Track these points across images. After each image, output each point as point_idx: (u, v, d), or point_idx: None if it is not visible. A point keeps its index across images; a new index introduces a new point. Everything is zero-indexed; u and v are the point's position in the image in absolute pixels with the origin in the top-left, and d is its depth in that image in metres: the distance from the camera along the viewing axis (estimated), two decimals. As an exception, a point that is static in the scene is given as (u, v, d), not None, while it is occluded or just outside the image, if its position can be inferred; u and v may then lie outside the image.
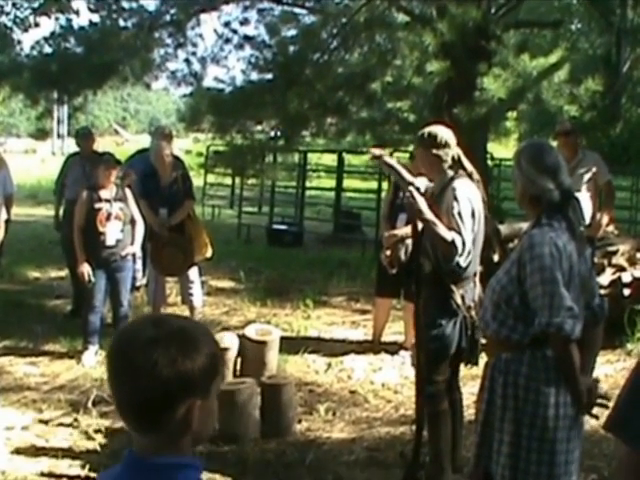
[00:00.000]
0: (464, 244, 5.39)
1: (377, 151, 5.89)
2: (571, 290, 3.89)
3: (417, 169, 7.60)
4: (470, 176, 5.66)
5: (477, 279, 5.70)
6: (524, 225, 7.14)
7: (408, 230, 7.58)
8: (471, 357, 5.76)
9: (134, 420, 2.12)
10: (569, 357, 3.86)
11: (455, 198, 5.42)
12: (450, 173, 5.60)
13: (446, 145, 5.61)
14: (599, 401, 4.06)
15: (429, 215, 5.37)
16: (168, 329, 2.10)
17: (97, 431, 6.90)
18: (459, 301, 5.53)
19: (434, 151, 5.59)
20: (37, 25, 18.56)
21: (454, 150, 5.65)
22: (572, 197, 4.10)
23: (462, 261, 5.47)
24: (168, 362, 2.04)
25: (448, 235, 5.35)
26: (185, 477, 2.12)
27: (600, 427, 5.12)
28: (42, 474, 6.12)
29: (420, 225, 5.54)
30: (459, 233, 5.37)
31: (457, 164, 5.64)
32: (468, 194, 5.50)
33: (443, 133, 5.68)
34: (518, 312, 4.00)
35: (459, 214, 5.39)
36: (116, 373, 2.12)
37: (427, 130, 5.74)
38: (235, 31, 14.12)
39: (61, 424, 7.16)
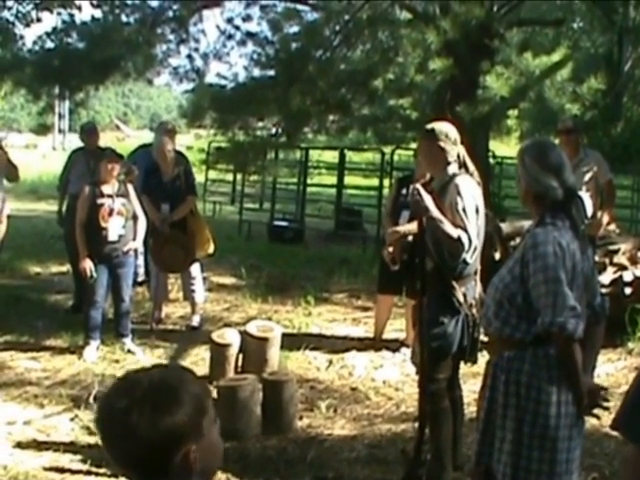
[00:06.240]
0: (470, 240, 5.39)
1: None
2: (574, 289, 3.89)
3: (421, 166, 7.66)
4: (471, 175, 5.66)
5: (478, 277, 5.71)
6: (526, 223, 7.14)
7: (410, 227, 7.61)
8: (471, 355, 5.76)
9: (134, 476, 2.16)
10: (571, 356, 3.87)
11: (459, 194, 5.42)
12: (452, 170, 5.60)
13: (452, 140, 5.62)
14: (602, 404, 4.07)
15: (436, 213, 5.37)
16: (140, 393, 2.12)
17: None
18: (461, 299, 5.53)
19: (440, 144, 5.58)
20: (39, 20, 18.56)
21: (459, 147, 5.66)
22: (575, 195, 4.11)
23: (469, 257, 5.48)
24: (149, 425, 2.07)
25: (454, 232, 5.35)
26: None
27: (601, 426, 5.15)
28: (44, 469, 6.13)
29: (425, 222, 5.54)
30: (464, 229, 5.37)
31: (460, 162, 5.64)
32: (471, 190, 5.51)
33: (449, 128, 5.69)
34: (521, 311, 4.01)
35: (464, 210, 5.39)
36: (104, 440, 2.17)
37: (434, 124, 5.75)
38: (237, 27, 14.16)
39: (62, 419, 7.17)
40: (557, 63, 11.11)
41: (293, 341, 9.02)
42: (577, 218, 4.02)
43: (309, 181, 19.49)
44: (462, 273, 5.55)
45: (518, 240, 6.12)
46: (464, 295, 5.55)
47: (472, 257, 5.52)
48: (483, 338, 5.23)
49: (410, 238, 7.77)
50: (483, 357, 5.27)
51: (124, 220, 8.97)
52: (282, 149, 15.21)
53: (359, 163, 25.87)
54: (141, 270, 10.84)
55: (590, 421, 4.25)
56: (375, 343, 9.28)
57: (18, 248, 13.70)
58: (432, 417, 5.72)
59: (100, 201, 8.89)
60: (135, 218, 9.11)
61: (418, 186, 5.46)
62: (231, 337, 7.85)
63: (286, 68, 12.22)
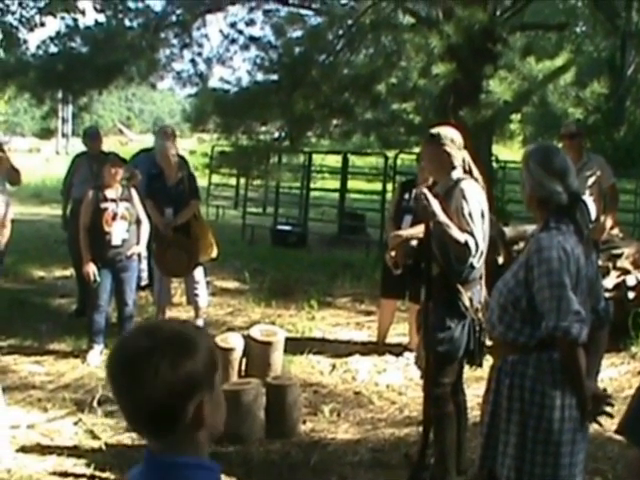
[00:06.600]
0: (477, 245, 5.39)
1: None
2: (578, 294, 3.90)
3: (423, 171, 7.68)
4: (476, 180, 5.66)
5: (483, 281, 5.70)
6: (529, 227, 7.14)
7: (413, 231, 7.62)
8: (477, 359, 5.76)
9: (148, 428, 2.17)
10: (575, 361, 3.87)
11: (464, 198, 5.42)
12: (456, 174, 5.60)
13: (457, 145, 5.62)
14: (606, 410, 4.07)
15: (443, 217, 5.37)
16: (162, 335, 2.14)
17: (102, 430, 6.93)
18: (467, 303, 5.52)
19: (446, 148, 5.57)
20: (43, 24, 18.65)
21: (463, 152, 5.65)
22: (580, 200, 4.11)
23: (475, 262, 5.48)
24: (169, 367, 2.08)
25: (461, 237, 5.35)
26: (203, 477, 2.17)
27: (604, 430, 5.15)
28: (47, 473, 6.14)
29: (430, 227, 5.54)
30: (471, 234, 5.37)
31: (465, 166, 5.64)
32: (476, 195, 5.51)
33: (454, 133, 5.68)
34: (525, 315, 4.01)
35: (469, 215, 5.39)
36: (120, 387, 2.15)
37: (438, 129, 5.74)
38: (241, 32, 14.13)
39: (66, 423, 7.17)
40: (560, 67, 11.11)
41: (296, 345, 9.02)
42: (581, 223, 4.03)
43: (312, 185, 19.49)
44: (468, 277, 5.55)
45: (521, 244, 6.13)
46: (470, 299, 5.55)
47: (478, 261, 5.52)
48: (487, 342, 5.23)
49: (414, 242, 7.79)
50: (487, 361, 5.27)
51: (127, 224, 9.00)
52: (285, 153, 15.21)
53: (362, 167, 25.87)
54: (144, 274, 10.84)
55: (593, 425, 4.25)
56: (378, 347, 9.28)
57: (22, 252, 13.72)
58: (436, 421, 5.72)
59: (104, 205, 8.91)
60: (138, 222, 9.14)
61: (425, 190, 5.45)
62: (234, 341, 7.85)
63: (289, 72, 12.24)
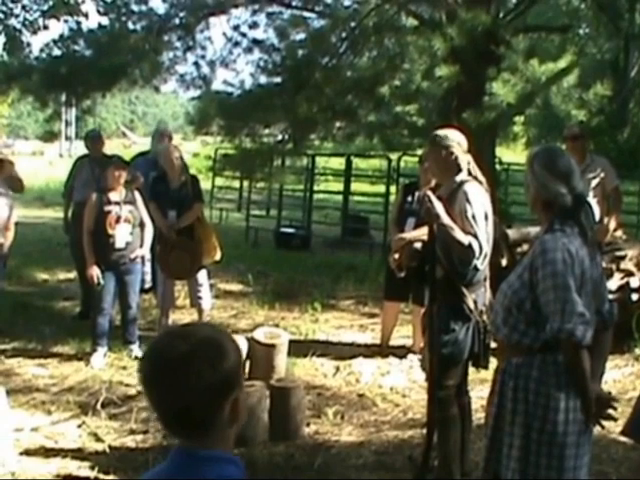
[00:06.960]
0: (481, 247, 5.39)
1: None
2: (583, 296, 3.89)
3: (426, 173, 7.68)
4: (480, 182, 5.66)
5: (487, 283, 5.70)
6: (532, 229, 7.13)
7: (416, 233, 7.62)
8: (482, 361, 5.75)
9: (186, 429, 2.23)
10: (580, 363, 3.86)
11: (468, 201, 5.42)
12: (460, 177, 5.60)
13: (463, 148, 5.62)
14: (611, 413, 4.07)
15: (447, 220, 5.37)
16: (197, 339, 2.21)
17: (106, 433, 6.93)
18: (472, 306, 5.52)
19: (452, 151, 5.57)
20: (46, 28, 18.68)
21: (467, 156, 5.65)
22: (584, 202, 4.11)
23: (479, 264, 5.48)
24: (211, 369, 2.17)
25: (465, 239, 5.35)
26: (230, 472, 2.23)
27: (608, 432, 5.14)
28: (51, 475, 6.13)
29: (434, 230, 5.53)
30: (475, 236, 5.37)
31: (468, 169, 5.64)
32: (480, 197, 5.51)
33: (460, 136, 5.69)
34: (529, 317, 4.01)
35: (473, 217, 5.39)
36: (160, 392, 2.21)
37: (444, 132, 5.74)
38: (244, 34, 14.11)
39: (70, 426, 7.17)
40: (563, 69, 11.07)
41: (300, 348, 9.02)
42: (586, 224, 4.02)
43: (316, 188, 19.48)
44: (472, 280, 5.55)
45: (525, 246, 6.12)
46: (474, 302, 5.54)
47: (482, 264, 5.52)
48: (492, 344, 5.23)
49: (417, 245, 7.77)
50: (492, 363, 5.27)
51: (131, 227, 9.00)
52: (289, 156, 15.19)
53: (366, 170, 25.86)
54: (148, 277, 10.83)
55: (597, 427, 4.24)
56: (382, 350, 9.28)
57: (25, 255, 13.74)
58: (440, 424, 5.71)
59: (107, 208, 8.91)
60: (142, 225, 9.14)
61: (429, 193, 5.45)
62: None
63: (293, 75, 12.23)
